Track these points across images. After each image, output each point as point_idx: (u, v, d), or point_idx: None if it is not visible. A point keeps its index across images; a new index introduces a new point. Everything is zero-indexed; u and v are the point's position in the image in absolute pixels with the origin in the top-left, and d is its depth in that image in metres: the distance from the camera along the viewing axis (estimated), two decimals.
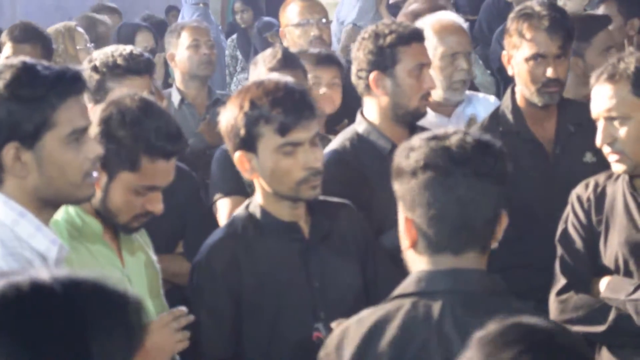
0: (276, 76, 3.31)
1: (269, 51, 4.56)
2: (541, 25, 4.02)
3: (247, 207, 3.36)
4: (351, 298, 3.34)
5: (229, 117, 3.25)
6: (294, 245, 3.31)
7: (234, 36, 9.23)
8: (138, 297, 1.66)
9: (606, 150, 3.41)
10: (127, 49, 4.22)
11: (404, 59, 3.89)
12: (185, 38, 5.81)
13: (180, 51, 5.80)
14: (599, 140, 3.41)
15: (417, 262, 2.48)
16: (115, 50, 4.19)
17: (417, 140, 2.48)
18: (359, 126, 3.98)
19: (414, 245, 2.46)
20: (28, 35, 5.58)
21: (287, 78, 3.30)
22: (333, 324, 3.09)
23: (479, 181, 2.43)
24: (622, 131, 3.36)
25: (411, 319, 2.42)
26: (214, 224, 4.03)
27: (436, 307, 2.42)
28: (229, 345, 3.29)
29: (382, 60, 3.89)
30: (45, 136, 2.61)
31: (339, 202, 3.49)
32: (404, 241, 2.49)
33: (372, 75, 3.91)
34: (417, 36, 3.94)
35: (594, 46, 4.82)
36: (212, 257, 3.30)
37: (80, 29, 6.17)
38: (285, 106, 3.18)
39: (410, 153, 2.45)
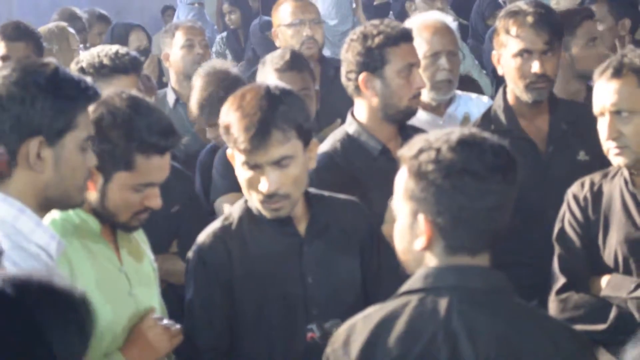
0: (259, 90, 3.28)
1: (278, 52, 4.56)
2: (526, 22, 4.05)
3: (245, 201, 3.39)
4: (346, 294, 3.36)
5: (223, 115, 3.29)
6: (288, 240, 3.33)
7: (224, 34, 9.24)
8: (83, 291, 1.70)
9: (610, 145, 3.42)
10: (112, 48, 4.24)
11: (393, 59, 3.91)
12: (179, 38, 5.82)
13: (174, 51, 5.82)
14: (604, 135, 3.42)
15: (424, 261, 2.49)
16: (101, 51, 4.22)
17: (442, 142, 2.46)
18: (349, 127, 4.00)
19: (428, 245, 2.47)
20: (21, 33, 5.59)
21: (260, 93, 3.26)
22: (327, 325, 3.13)
23: (507, 187, 2.47)
24: (629, 126, 3.38)
25: (418, 315, 2.43)
26: (209, 223, 4.07)
27: (443, 303, 2.43)
28: (221, 335, 3.32)
29: (371, 61, 3.90)
30: (67, 136, 2.67)
31: (345, 198, 3.50)
32: (415, 240, 2.49)
33: (362, 76, 3.92)
34: (405, 36, 3.95)
35: (578, 38, 4.85)
36: (204, 248, 3.34)
37: (72, 30, 6.20)
38: (246, 128, 3.19)
39: (439, 157, 2.45)
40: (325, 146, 4.00)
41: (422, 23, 4.66)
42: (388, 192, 3.81)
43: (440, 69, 4.60)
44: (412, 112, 3.98)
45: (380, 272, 3.46)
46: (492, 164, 2.45)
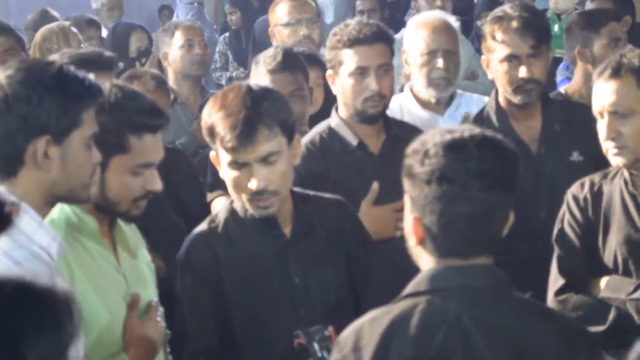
0: (240, 88, 3.29)
1: (270, 51, 4.55)
2: (511, 27, 4.07)
3: (231, 202, 3.40)
4: (333, 295, 3.37)
5: (205, 117, 3.30)
6: (274, 241, 3.34)
7: (227, 34, 9.26)
8: (67, 292, 1.71)
9: (609, 145, 3.41)
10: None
11: (346, 61, 3.99)
12: (178, 37, 5.82)
13: (173, 50, 5.82)
14: (603, 136, 3.41)
15: (424, 259, 2.48)
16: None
17: (432, 144, 2.43)
18: (332, 120, 4.09)
19: (420, 243, 2.47)
20: (1, 28, 5.60)
21: (242, 91, 3.26)
22: (311, 330, 3.13)
23: (493, 194, 2.42)
24: (628, 126, 3.38)
25: (429, 317, 2.41)
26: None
27: (452, 303, 2.41)
28: (212, 337, 3.32)
29: (331, 60, 4.03)
30: (73, 134, 2.69)
31: (330, 197, 3.52)
32: (410, 237, 2.49)
33: (328, 73, 4.06)
34: (359, 40, 3.97)
35: (602, 37, 4.88)
36: (191, 252, 3.36)
37: (74, 29, 6.19)
38: (232, 127, 3.20)
39: (425, 159, 2.42)
40: (305, 138, 4.07)
41: (421, 21, 4.70)
42: (361, 185, 3.89)
43: (436, 67, 4.60)
44: (368, 116, 4.01)
45: (368, 272, 3.47)
46: (475, 171, 2.40)
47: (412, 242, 2.48)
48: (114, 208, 3.06)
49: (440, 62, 4.59)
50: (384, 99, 4.01)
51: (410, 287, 2.48)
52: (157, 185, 3.08)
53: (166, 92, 4.86)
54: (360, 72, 3.97)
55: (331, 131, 4.04)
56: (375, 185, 3.91)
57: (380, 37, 4.02)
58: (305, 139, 4.03)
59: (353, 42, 3.97)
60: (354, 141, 4.00)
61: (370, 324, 2.46)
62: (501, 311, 2.44)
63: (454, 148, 2.42)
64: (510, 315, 2.43)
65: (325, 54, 4.11)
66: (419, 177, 2.42)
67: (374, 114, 4.00)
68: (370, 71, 3.96)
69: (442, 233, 2.43)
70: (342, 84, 4.01)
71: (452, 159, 2.40)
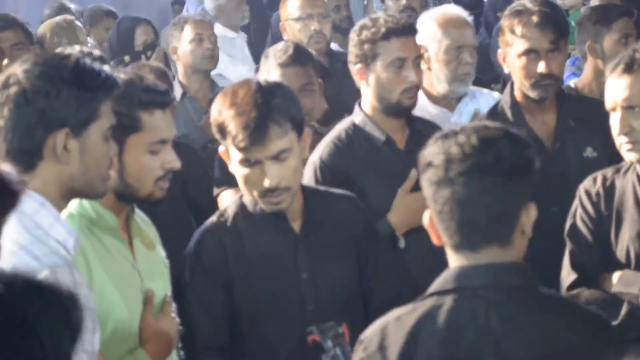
0: (250, 85, 3.29)
1: (280, 45, 4.56)
2: (531, 21, 4.07)
3: (240, 197, 3.40)
4: (342, 290, 3.36)
5: (215, 113, 3.29)
6: (283, 236, 3.34)
7: None
8: (69, 288, 1.75)
9: (622, 140, 3.41)
10: None
11: (383, 53, 3.94)
12: (188, 32, 5.83)
13: (183, 45, 5.83)
14: (616, 130, 3.41)
15: (450, 256, 2.47)
16: None
17: (433, 138, 2.47)
18: (356, 117, 4.05)
19: (438, 239, 2.47)
20: (8, 22, 5.61)
21: (252, 89, 3.26)
22: (324, 326, 3.12)
23: (474, 179, 2.40)
24: None
25: (457, 317, 2.40)
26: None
27: (480, 302, 2.40)
28: (221, 332, 3.32)
29: (363, 53, 3.97)
30: (91, 127, 2.68)
31: (341, 193, 3.52)
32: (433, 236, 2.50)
33: (356, 68, 3.99)
34: (397, 31, 3.96)
35: (613, 32, 4.87)
36: (199, 247, 3.36)
37: (78, 23, 6.19)
38: (244, 126, 3.20)
39: (424, 151, 2.47)
40: (330, 135, 4.04)
41: (443, 17, 4.68)
42: (390, 181, 3.89)
43: (463, 63, 4.60)
44: (404, 107, 4.00)
45: (378, 268, 3.46)
46: (452, 156, 2.41)
47: (434, 240, 2.49)
48: (136, 193, 3.07)
49: (468, 57, 4.59)
50: (418, 90, 4.02)
51: (435, 285, 2.46)
52: (176, 162, 3.08)
53: (167, 85, 4.88)
54: (399, 64, 3.94)
55: (356, 128, 4.01)
56: (413, 173, 3.86)
57: (414, 30, 4.04)
58: (331, 136, 4.01)
59: (391, 34, 3.94)
60: (381, 137, 3.97)
61: (396, 323, 2.44)
62: (529, 309, 2.42)
63: (443, 136, 2.45)
64: (538, 313, 2.42)
65: (351, 48, 4.04)
66: (420, 168, 2.46)
67: (409, 106, 3.99)
68: (408, 63, 3.95)
69: (441, 223, 2.43)
70: (376, 77, 3.97)
71: (437, 146, 2.43)
